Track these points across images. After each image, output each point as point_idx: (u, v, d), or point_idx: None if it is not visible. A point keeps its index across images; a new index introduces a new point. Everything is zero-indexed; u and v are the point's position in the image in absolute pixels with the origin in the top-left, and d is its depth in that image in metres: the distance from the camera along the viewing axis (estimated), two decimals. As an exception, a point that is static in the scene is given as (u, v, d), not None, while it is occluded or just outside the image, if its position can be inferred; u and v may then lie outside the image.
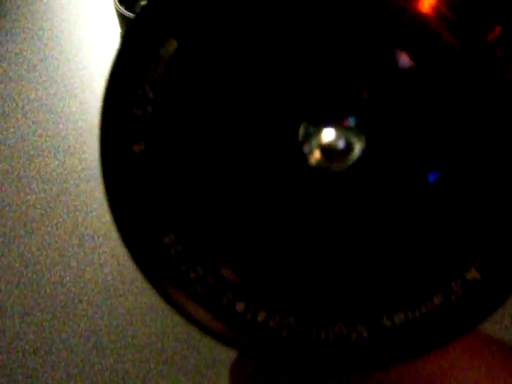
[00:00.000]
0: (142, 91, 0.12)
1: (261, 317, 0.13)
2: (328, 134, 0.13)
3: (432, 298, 0.13)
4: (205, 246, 0.13)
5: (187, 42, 0.12)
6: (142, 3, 0.43)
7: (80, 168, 0.51)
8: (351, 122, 0.13)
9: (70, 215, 0.48)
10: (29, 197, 0.49)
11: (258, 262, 0.13)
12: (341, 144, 0.13)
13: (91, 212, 0.48)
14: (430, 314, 0.13)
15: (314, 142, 0.13)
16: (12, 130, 0.54)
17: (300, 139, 0.13)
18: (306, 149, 0.13)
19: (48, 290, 0.44)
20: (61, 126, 0.54)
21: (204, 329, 0.13)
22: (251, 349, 0.13)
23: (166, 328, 0.41)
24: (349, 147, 0.13)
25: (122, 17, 0.41)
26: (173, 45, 0.12)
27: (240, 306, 0.13)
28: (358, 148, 0.13)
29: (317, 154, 0.13)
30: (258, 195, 0.13)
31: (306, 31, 0.13)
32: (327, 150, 0.13)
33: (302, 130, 0.13)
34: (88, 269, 0.45)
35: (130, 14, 0.41)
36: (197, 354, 0.40)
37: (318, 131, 0.13)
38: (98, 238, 0.46)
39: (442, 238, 0.13)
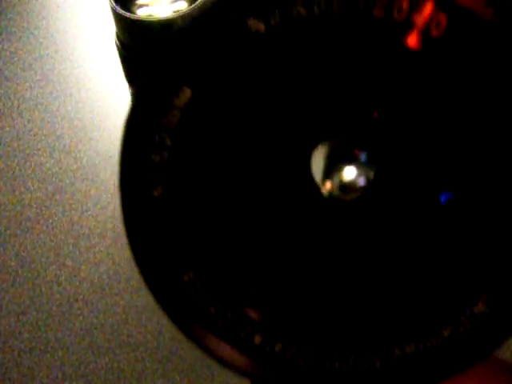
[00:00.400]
0: (159, 138, 0.13)
1: (278, 348, 0.13)
2: (347, 171, 0.14)
3: (441, 330, 0.13)
4: (223, 283, 0.13)
5: (201, 89, 0.13)
6: (139, 2, 0.43)
7: (75, 167, 0.51)
8: (363, 153, 0.14)
9: (66, 214, 0.48)
10: (24, 196, 0.49)
11: (275, 296, 0.14)
12: (361, 181, 0.14)
13: (86, 211, 0.48)
14: (439, 346, 0.13)
15: (333, 177, 0.14)
16: (7, 129, 0.54)
17: (319, 175, 0.14)
18: (318, 180, 0.14)
19: (43, 289, 0.44)
20: (56, 125, 0.54)
21: (225, 363, 0.14)
22: (269, 378, 0.13)
23: (162, 327, 0.41)
24: (366, 181, 0.14)
25: (117, 16, 0.41)
26: (187, 94, 0.13)
27: (258, 339, 0.13)
28: (370, 177, 0.14)
29: (328, 185, 0.14)
30: (273, 233, 0.14)
31: (317, 64, 0.13)
32: (343, 184, 0.14)
33: (318, 165, 0.14)
34: (83, 268, 0.45)
35: (126, 13, 0.40)
36: (192, 352, 0.40)
37: (336, 167, 0.14)
38: (94, 237, 0.46)
39: (451, 272, 0.13)
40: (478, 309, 0.13)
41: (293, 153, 0.14)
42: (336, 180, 0.14)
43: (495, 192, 0.13)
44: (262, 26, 0.12)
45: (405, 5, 0.12)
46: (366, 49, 0.13)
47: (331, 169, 0.14)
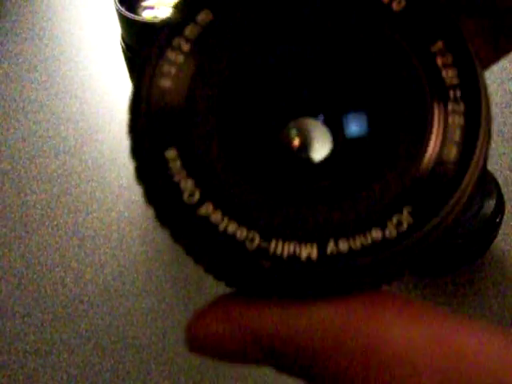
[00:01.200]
0: (177, 42, 0.15)
1: (231, 228, 0.15)
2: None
3: (371, 230, 0.14)
4: (200, 162, 0.15)
5: (220, 15, 0.16)
6: (144, 4, 0.43)
7: (80, 169, 0.51)
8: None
9: (71, 216, 0.48)
10: (29, 197, 0.49)
11: (238, 170, 0.15)
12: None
13: (92, 213, 0.48)
14: (369, 248, 0.14)
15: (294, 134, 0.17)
16: (12, 130, 0.54)
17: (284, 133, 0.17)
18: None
19: (48, 291, 0.44)
20: (61, 126, 0.54)
21: (175, 235, 0.15)
22: (219, 258, 0.15)
23: (167, 329, 0.41)
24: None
25: (122, 17, 0.41)
26: (209, 15, 0.15)
27: (215, 217, 0.15)
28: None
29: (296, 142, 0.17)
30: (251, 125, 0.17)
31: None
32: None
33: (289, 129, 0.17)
34: (88, 270, 0.45)
35: (131, 15, 0.40)
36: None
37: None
38: (99, 238, 0.46)
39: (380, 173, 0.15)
40: (403, 218, 0.14)
41: (271, 113, 0.17)
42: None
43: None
44: None
45: None
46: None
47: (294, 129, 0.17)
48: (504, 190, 0.40)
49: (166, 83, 0.15)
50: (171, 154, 0.15)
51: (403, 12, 0.15)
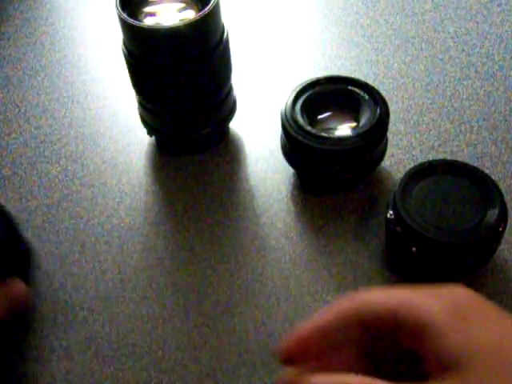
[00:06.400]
0: None
1: None
2: None
3: None
4: None
5: None
6: (145, 10, 0.43)
7: (82, 174, 0.51)
8: None
9: (72, 222, 0.48)
10: (30, 203, 0.49)
11: None
12: None
13: (92, 219, 0.48)
14: None
15: None
16: (14, 135, 0.54)
17: None
18: None
19: (49, 297, 0.44)
20: (63, 131, 0.54)
21: None
22: None
23: (167, 336, 0.41)
24: None
25: (124, 24, 0.41)
26: None
27: None
28: None
29: None
30: None
31: None
32: None
33: None
34: (89, 276, 0.45)
35: (133, 21, 0.40)
36: (197, 362, 0.40)
37: None
38: (100, 245, 0.46)
39: None
40: None
41: None
42: None
43: None
44: None
45: None
46: None
47: None
48: (507, 198, 0.40)
49: None
50: None
51: None
